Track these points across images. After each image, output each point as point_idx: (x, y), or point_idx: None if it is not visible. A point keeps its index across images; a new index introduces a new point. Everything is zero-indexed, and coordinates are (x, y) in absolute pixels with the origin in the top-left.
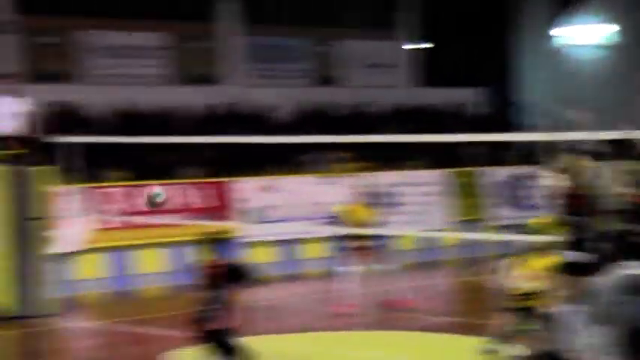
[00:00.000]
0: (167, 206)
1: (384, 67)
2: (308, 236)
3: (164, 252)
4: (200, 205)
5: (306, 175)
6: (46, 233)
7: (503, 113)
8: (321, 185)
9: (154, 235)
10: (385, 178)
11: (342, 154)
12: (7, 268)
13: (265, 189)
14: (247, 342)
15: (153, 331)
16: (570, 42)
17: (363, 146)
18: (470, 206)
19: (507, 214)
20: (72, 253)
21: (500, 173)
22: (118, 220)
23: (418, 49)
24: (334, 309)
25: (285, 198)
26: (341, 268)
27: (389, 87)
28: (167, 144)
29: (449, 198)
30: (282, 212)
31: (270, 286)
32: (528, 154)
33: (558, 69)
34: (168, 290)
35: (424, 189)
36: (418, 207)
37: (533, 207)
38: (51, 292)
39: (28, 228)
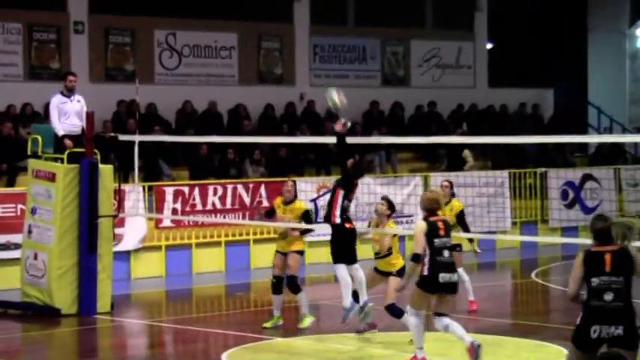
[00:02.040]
0: (226, 205)
1: (450, 67)
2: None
3: (219, 251)
4: (265, 205)
5: (368, 176)
6: (112, 231)
7: (569, 114)
8: (383, 186)
9: (211, 235)
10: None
11: (406, 154)
12: (72, 266)
13: (326, 189)
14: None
15: (210, 329)
16: None
17: (428, 147)
18: (532, 207)
19: (570, 217)
20: (131, 251)
21: (565, 175)
22: (177, 219)
23: (486, 49)
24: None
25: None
26: None
27: (455, 87)
28: (233, 143)
29: (511, 199)
30: None
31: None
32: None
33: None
34: (222, 289)
35: (486, 190)
36: (479, 208)
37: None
38: (110, 289)
39: (97, 226)
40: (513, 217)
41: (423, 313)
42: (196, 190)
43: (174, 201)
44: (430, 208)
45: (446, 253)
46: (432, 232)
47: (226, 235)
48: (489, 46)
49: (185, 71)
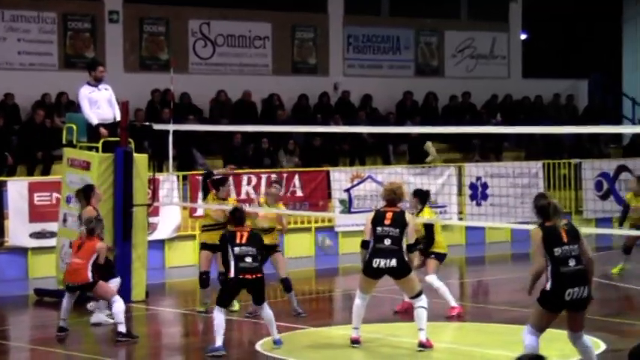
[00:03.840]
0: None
1: (484, 57)
2: None
3: None
4: (299, 194)
5: (401, 166)
6: (146, 220)
7: (604, 105)
8: (416, 176)
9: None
10: (480, 170)
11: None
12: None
13: (360, 179)
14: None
15: (243, 318)
16: None
17: (462, 137)
18: (566, 198)
19: (604, 208)
20: (166, 240)
21: (599, 166)
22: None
23: (521, 39)
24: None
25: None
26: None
27: (490, 78)
28: (268, 132)
29: (545, 190)
30: (374, 202)
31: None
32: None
33: None
34: None
35: (520, 180)
36: (512, 198)
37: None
38: (145, 278)
39: (132, 215)
40: None
41: (367, 296)
42: (230, 180)
43: None
44: (388, 199)
45: (387, 241)
46: (376, 221)
47: None
48: (524, 36)
49: (219, 61)
